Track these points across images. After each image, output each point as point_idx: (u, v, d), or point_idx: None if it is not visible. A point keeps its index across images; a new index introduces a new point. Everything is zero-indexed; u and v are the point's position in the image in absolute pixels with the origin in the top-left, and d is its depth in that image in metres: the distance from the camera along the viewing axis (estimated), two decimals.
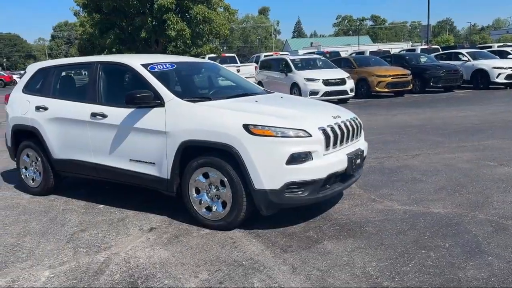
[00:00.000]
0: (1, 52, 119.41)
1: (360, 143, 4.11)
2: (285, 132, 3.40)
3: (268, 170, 3.37)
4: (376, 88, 14.57)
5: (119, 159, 4.19)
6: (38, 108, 4.79)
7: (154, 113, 3.91)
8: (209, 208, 3.73)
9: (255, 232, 3.61)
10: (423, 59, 17.27)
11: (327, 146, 3.53)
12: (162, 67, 4.32)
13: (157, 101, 3.91)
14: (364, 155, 4.18)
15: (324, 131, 3.52)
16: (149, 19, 14.37)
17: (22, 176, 5.15)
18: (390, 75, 14.59)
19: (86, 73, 4.84)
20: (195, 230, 3.73)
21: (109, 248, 3.48)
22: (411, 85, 15.10)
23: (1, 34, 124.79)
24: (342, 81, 13.46)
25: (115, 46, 16.16)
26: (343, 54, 24.96)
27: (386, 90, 14.67)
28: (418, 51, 22.42)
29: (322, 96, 12.85)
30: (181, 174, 3.84)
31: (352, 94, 13.71)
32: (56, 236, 3.77)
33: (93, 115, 4.28)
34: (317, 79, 13.32)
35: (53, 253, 3.42)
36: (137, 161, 4.08)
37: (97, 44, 27.69)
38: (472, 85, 16.52)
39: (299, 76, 13.77)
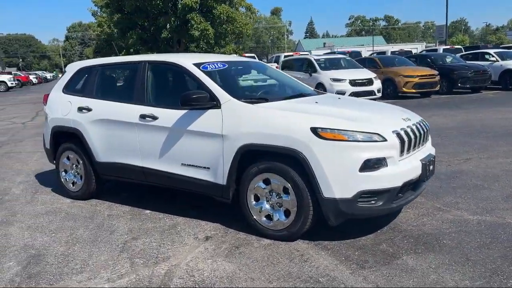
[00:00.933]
0: (16, 52, 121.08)
1: (429, 148, 3.84)
2: (358, 136, 3.15)
3: (339, 178, 3.13)
4: (403, 89, 14.21)
5: (170, 163, 3.98)
6: (81, 109, 4.60)
7: (210, 115, 3.69)
8: (269, 217, 3.50)
9: (321, 244, 3.36)
10: (449, 59, 16.84)
11: (401, 151, 3.27)
12: (214, 67, 4.10)
13: (213, 103, 3.69)
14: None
15: (398, 135, 3.26)
16: (172, 19, 14.18)
17: (62, 180, 4.98)
18: (417, 76, 14.22)
19: (128, 73, 4.64)
20: (255, 240, 3.50)
21: (168, 259, 3.26)
22: (439, 85, 14.70)
23: (16, 35, 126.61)
24: (369, 82, 13.15)
25: (137, 46, 16.03)
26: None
27: (414, 90, 14.31)
28: (440, 51, 21.94)
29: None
30: (237, 180, 3.61)
31: (379, 94, 13.38)
32: (108, 245, 3.57)
33: (143, 117, 4.07)
34: (343, 79, 13.02)
35: (108, 264, 3.22)
36: (189, 165, 3.86)
37: (115, 45, 27.79)
38: (500, 86, 16.05)
39: (325, 76, 13.49)
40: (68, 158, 4.89)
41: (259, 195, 3.53)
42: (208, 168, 3.75)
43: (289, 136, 3.24)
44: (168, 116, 3.94)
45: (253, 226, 3.59)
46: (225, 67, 4.25)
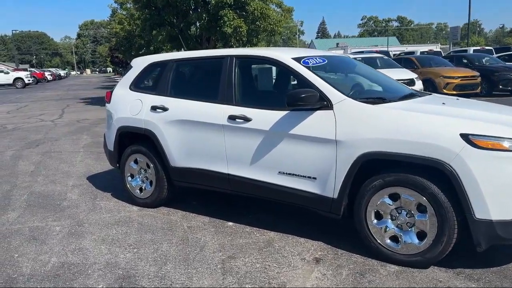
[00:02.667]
0: (29, 50, 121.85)
1: None
2: None
3: (498, 196, 2.62)
4: (444, 90, 13.60)
5: (264, 172, 3.50)
6: (154, 108, 4.14)
7: (319, 117, 3.20)
8: (395, 239, 3.00)
9: (464, 273, 2.86)
10: (486, 60, 16.20)
11: None
12: (315, 62, 3.60)
13: (323, 103, 3.19)
14: None
15: None
16: (204, 15, 13.71)
17: (127, 185, 4.52)
18: (459, 77, 13.63)
19: (211, 69, 4.17)
20: (378, 266, 3.00)
21: (283, 285, 2.77)
22: (480, 87, 14.09)
23: (29, 32, 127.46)
24: (411, 82, 12.56)
25: (166, 43, 15.57)
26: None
27: (454, 92, 13.67)
28: (471, 51, 21.28)
29: None
30: (351, 193, 3.12)
31: None
32: (205, 265, 3.09)
33: (232, 118, 3.59)
34: None
35: None
36: (290, 174, 3.38)
37: (134, 42, 27.39)
38: None
39: None
40: (136, 162, 4.43)
41: (382, 212, 3.03)
42: (315, 178, 3.26)
43: (432, 143, 2.74)
44: (264, 117, 3.45)
45: (372, 249, 3.09)
46: (325, 62, 3.75)
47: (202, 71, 4.36)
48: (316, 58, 3.67)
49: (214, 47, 15.93)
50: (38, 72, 47.30)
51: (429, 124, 2.82)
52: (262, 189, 3.56)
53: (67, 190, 5.10)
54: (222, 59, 3.86)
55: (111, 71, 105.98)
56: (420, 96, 3.74)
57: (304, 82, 3.37)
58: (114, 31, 30.16)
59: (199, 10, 14.45)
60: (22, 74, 35.95)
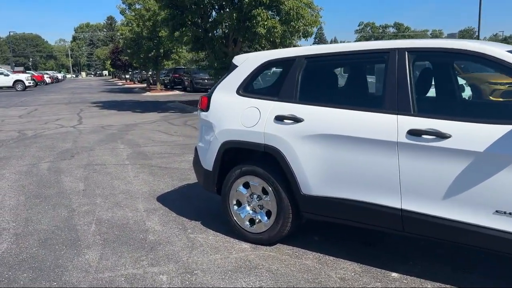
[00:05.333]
0: (23, 52, 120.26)
1: None
2: None
3: None
4: (490, 97, 12.78)
5: (469, 209, 2.56)
6: (280, 118, 3.20)
7: None
8: None
9: None
10: None
11: None
12: None
13: None
14: None
15: None
16: (234, 14, 12.79)
17: (232, 215, 3.57)
18: (506, 83, 12.82)
19: (364, 67, 3.25)
20: None
21: None
22: None
23: (23, 34, 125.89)
24: (462, 88, 11.73)
25: (189, 44, 14.60)
26: None
27: (501, 99, 12.88)
28: None
29: None
30: None
31: None
32: None
33: (414, 133, 2.66)
34: None
35: None
36: None
37: (143, 44, 26.40)
38: None
39: None
40: (246, 186, 3.49)
41: None
42: None
43: None
44: (470, 133, 2.53)
45: None
46: None
47: (352, 70, 3.44)
48: None
49: (241, 50, 15.03)
50: (37, 74, 46.01)
51: None
52: (463, 234, 2.60)
53: (143, 218, 4.13)
54: (385, 54, 2.92)
55: (107, 74, 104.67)
56: None
57: None
58: (120, 32, 29.13)
59: (227, 9, 13.52)
60: (22, 76, 34.81)
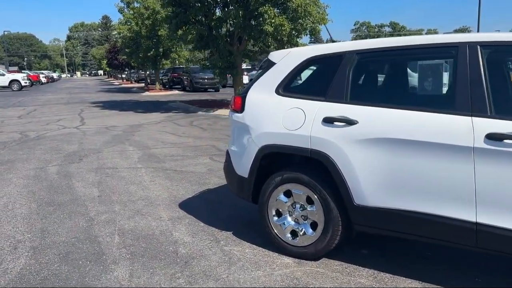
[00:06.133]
0: (17, 52, 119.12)
1: None
2: None
3: None
4: None
5: None
6: (330, 120, 2.90)
7: None
8: None
9: None
10: None
11: None
12: None
13: None
14: None
15: None
16: (240, 12, 12.46)
17: (271, 226, 3.27)
18: None
19: (425, 64, 2.96)
20: None
21: None
22: None
23: (17, 34, 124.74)
24: None
25: (193, 43, 14.22)
26: None
27: None
28: None
29: None
30: None
31: None
32: None
33: (493, 138, 2.37)
34: None
35: None
36: None
37: (142, 43, 25.96)
38: None
39: None
40: (287, 195, 3.18)
41: None
42: None
43: None
44: None
45: None
46: None
47: (412, 66, 3.14)
48: None
49: (246, 48, 14.72)
50: (32, 74, 45.41)
51: None
52: None
53: (169, 227, 3.82)
54: (453, 48, 2.63)
55: (102, 74, 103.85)
56: None
57: None
58: (118, 31, 28.66)
59: (231, 7, 13.20)
60: (18, 76, 34.28)
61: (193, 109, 15.21)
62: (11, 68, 57.75)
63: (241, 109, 3.45)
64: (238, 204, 4.38)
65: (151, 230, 3.75)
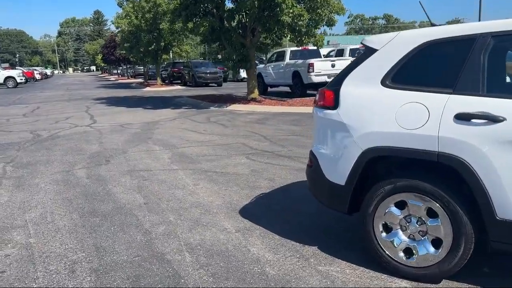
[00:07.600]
0: (7, 48, 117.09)
1: None
2: None
3: None
4: None
5: None
6: (466, 117, 2.41)
7: None
8: None
9: None
10: None
11: None
12: None
13: None
14: None
15: None
16: (256, 2, 11.90)
17: (379, 242, 2.78)
18: None
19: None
20: None
21: None
22: None
23: (7, 30, 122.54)
24: None
25: (204, 36, 13.61)
26: None
27: None
28: None
29: None
30: None
31: None
32: None
33: None
34: None
35: None
36: None
37: (142, 37, 25.24)
38: None
39: None
40: (400, 206, 2.69)
41: None
42: None
43: None
44: None
45: None
46: None
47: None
48: None
49: (258, 40, 14.17)
50: (26, 71, 44.41)
51: None
52: None
53: (241, 241, 3.32)
54: None
55: (95, 69, 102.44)
56: None
57: None
58: (116, 25, 27.87)
59: None
60: (13, 73, 33.40)
61: (204, 105, 14.66)
62: (2, 65, 56.58)
63: (334, 105, 2.94)
64: (304, 211, 3.94)
65: (222, 245, 3.25)
